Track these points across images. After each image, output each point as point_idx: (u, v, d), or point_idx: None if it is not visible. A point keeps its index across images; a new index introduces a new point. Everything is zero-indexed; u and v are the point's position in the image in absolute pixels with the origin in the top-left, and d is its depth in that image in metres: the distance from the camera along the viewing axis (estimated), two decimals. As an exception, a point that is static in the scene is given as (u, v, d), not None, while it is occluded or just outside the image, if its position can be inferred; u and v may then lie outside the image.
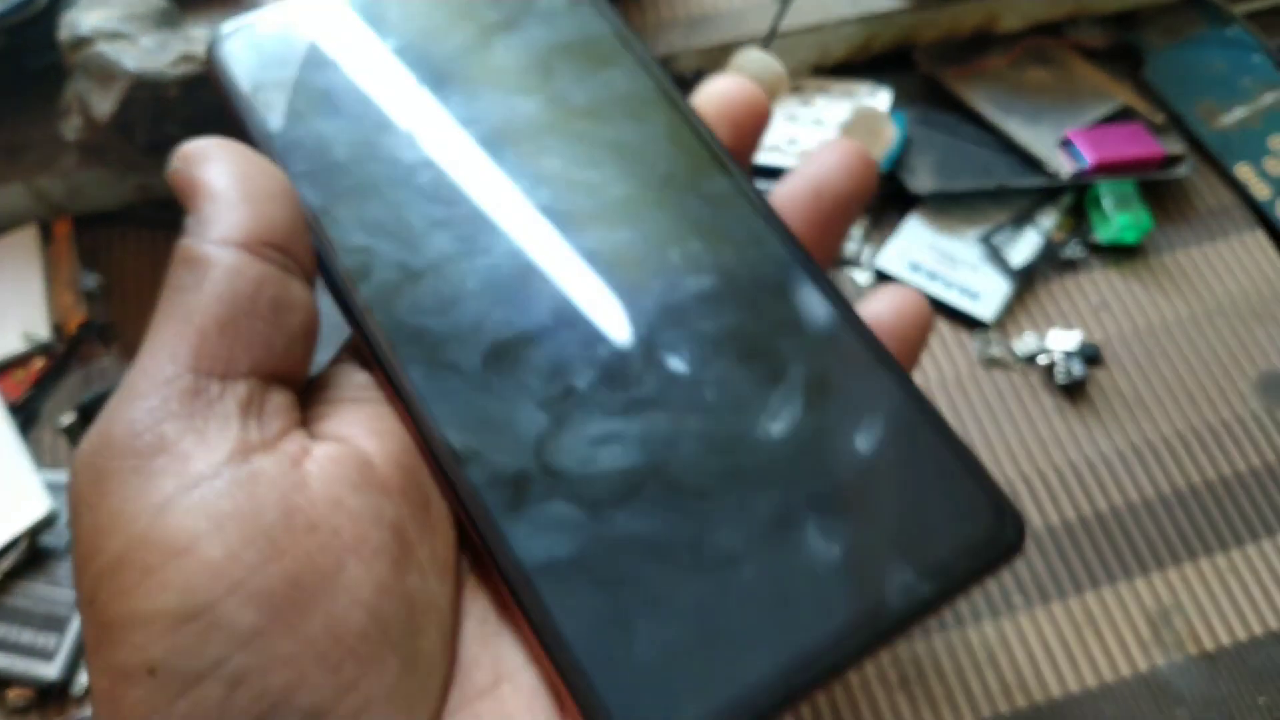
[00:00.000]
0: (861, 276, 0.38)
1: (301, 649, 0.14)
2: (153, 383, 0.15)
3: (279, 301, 0.16)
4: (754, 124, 0.21)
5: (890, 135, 0.28)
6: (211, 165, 0.17)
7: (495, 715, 0.15)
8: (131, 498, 0.14)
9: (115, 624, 0.14)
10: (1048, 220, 0.39)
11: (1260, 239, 0.39)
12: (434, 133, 0.19)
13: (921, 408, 0.17)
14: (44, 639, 0.31)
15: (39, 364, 0.35)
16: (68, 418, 0.34)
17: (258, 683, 0.14)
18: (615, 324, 0.17)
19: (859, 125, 0.21)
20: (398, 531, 0.16)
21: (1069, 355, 0.35)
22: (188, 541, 0.14)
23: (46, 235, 0.38)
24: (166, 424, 0.15)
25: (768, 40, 0.39)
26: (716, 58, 0.40)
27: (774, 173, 0.38)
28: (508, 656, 0.16)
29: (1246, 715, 0.31)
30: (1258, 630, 0.32)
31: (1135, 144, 0.39)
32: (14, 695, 0.30)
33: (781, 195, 0.20)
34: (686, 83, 0.39)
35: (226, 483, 0.15)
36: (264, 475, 0.15)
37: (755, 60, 0.23)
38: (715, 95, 0.21)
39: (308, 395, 0.18)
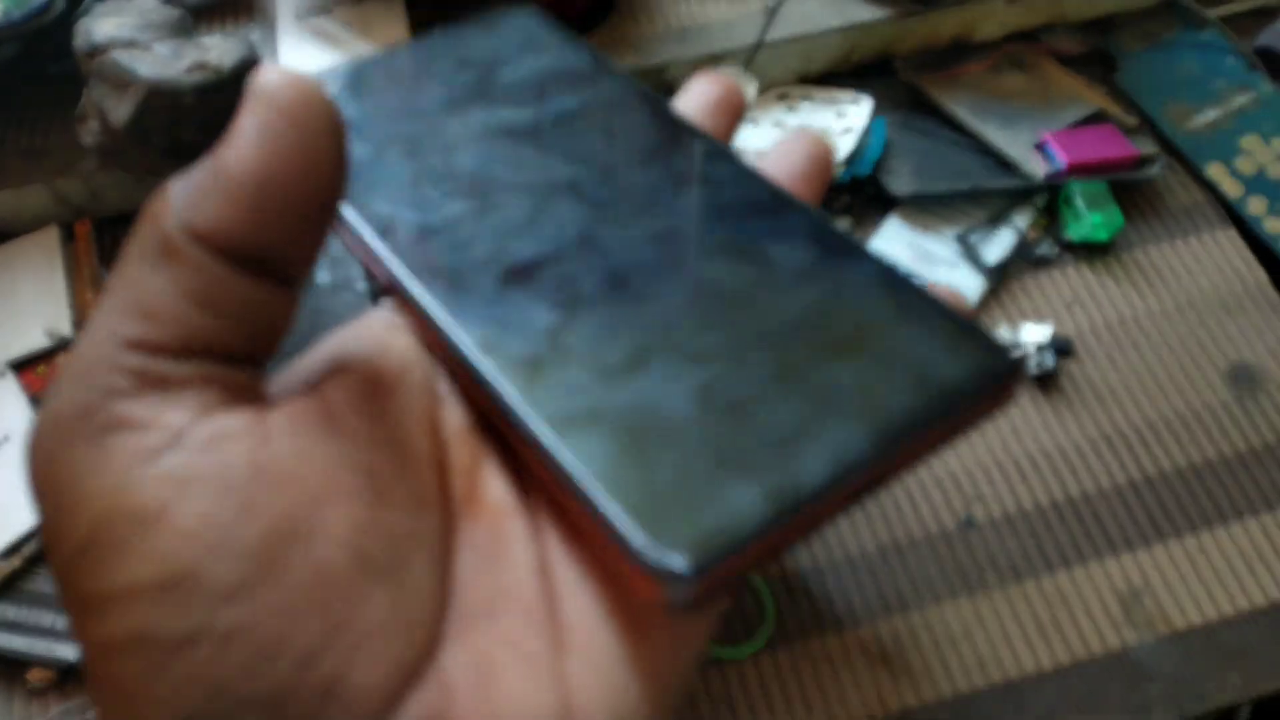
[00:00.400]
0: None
1: (288, 597, 0.14)
2: (98, 363, 0.15)
3: (247, 304, 0.15)
4: (733, 103, 0.25)
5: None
6: (257, 122, 0.15)
7: (490, 638, 0.16)
8: (91, 476, 0.14)
9: (97, 600, 0.14)
10: (1022, 220, 0.40)
11: (1231, 236, 0.41)
12: (444, 136, 0.22)
13: (903, 279, 0.19)
14: (64, 621, 0.32)
15: (61, 359, 0.37)
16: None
17: (249, 636, 0.14)
18: (615, 245, 0.20)
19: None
20: (368, 473, 0.16)
21: (1041, 348, 0.37)
22: (157, 510, 0.14)
23: (68, 235, 0.39)
24: (117, 403, 0.14)
25: (754, 50, 0.41)
26: (706, 67, 0.42)
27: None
28: (504, 581, 0.17)
29: (1218, 692, 0.32)
30: (1228, 610, 0.33)
31: (1108, 145, 0.40)
32: (35, 676, 0.32)
33: (762, 162, 0.24)
34: (675, 92, 0.41)
35: (189, 448, 0.14)
36: (226, 435, 0.15)
37: (729, 72, 0.29)
38: (701, 84, 0.26)
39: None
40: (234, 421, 0.15)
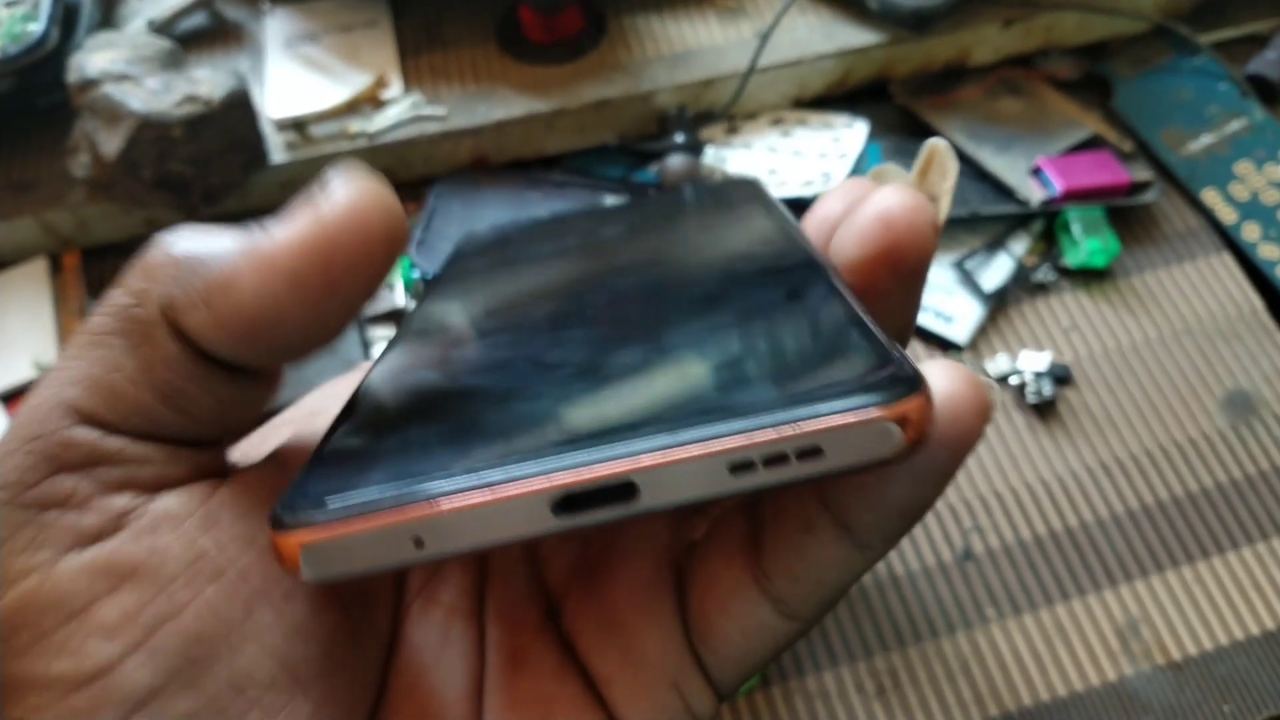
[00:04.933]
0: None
1: (202, 706, 0.14)
2: (45, 430, 0.14)
3: (220, 401, 0.15)
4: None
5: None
6: (293, 248, 0.14)
7: None
8: (22, 551, 0.14)
9: (12, 684, 0.13)
10: (1019, 245, 0.40)
11: (1226, 261, 0.41)
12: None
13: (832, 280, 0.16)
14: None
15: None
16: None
17: None
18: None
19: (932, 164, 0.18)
20: None
21: (1039, 375, 0.37)
22: (82, 604, 0.13)
23: (56, 267, 0.39)
24: (59, 476, 0.14)
25: (747, 76, 0.41)
26: (697, 93, 0.42)
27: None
28: (444, 688, 0.16)
29: (1213, 722, 0.32)
30: (1223, 640, 0.33)
31: (1103, 171, 0.40)
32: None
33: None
34: (669, 119, 0.41)
35: (125, 536, 0.14)
36: (168, 519, 0.14)
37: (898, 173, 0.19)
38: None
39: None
40: (179, 502, 0.14)
